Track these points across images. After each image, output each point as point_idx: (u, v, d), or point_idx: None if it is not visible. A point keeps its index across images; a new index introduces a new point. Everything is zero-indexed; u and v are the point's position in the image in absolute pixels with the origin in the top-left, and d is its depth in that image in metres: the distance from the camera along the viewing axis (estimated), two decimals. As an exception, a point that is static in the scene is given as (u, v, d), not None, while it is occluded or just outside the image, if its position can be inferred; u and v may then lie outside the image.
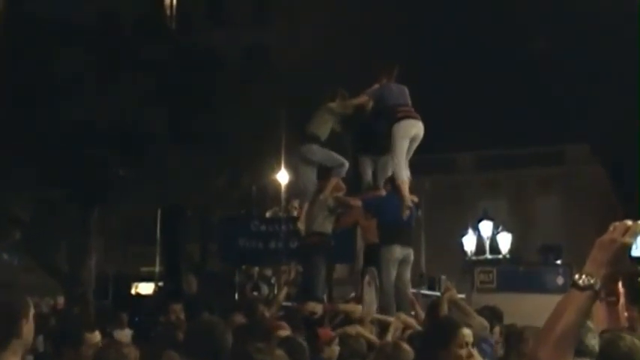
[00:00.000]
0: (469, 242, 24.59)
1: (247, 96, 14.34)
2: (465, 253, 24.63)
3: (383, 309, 7.75)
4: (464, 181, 28.50)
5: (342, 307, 7.32)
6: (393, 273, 7.91)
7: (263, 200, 21.83)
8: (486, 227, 23.85)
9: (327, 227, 8.25)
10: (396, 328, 6.31)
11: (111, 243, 22.38)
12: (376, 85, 8.42)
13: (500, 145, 28.51)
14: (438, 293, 17.44)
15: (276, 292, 14.34)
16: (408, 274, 8.18)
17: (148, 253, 20.51)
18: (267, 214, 21.49)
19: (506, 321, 7.05)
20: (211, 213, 20.25)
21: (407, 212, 7.88)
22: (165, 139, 13.40)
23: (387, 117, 8.13)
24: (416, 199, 8.36)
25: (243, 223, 14.42)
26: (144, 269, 23.84)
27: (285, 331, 5.20)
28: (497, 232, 23.92)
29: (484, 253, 23.69)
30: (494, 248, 23.79)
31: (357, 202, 8.19)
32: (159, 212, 18.06)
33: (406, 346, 4.56)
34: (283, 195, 17.85)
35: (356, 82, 8.86)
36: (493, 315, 6.86)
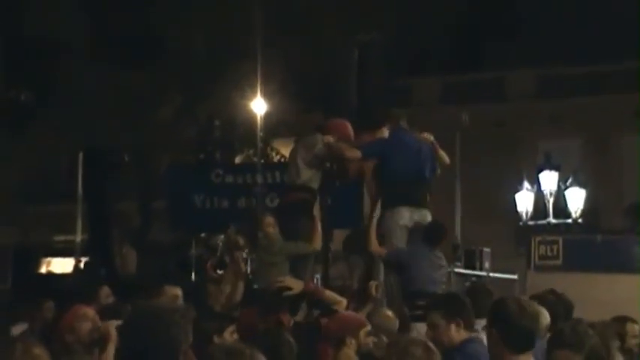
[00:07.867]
0: (524, 201, 24.62)
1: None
2: (518, 216, 24.71)
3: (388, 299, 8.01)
4: (516, 112, 28.41)
5: (328, 294, 7.31)
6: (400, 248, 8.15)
7: (230, 140, 21.79)
8: (549, 179, 23.85)
9: (316, 181, 8.47)
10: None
11: (9, 202, 22.38)
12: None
13: (569, 60, 28.32)
14: (479, 272, 17.58)
15: (249, 270, 14.43)
16: None
17: (65, 216, 20.49)
18: (237, 160, 21.50)
19: (576, 314, 6.91)
20: (155, 158, 20.21)
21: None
22: (85, 49, 13.28)
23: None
24: (431, 139, 8.52)
25: (201, 173, 14.37)
26: (58, 239, 23.91)
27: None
28: (566, 187, 23.92)
29: (546, 216, 23.75)
30: (561, 209, 23.84)
31: (354, 154, 8.31)
32: (80, 157, 17.98)
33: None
34: (260, 132, 17.77)
35: None
36: (560, 305, 6.69)
